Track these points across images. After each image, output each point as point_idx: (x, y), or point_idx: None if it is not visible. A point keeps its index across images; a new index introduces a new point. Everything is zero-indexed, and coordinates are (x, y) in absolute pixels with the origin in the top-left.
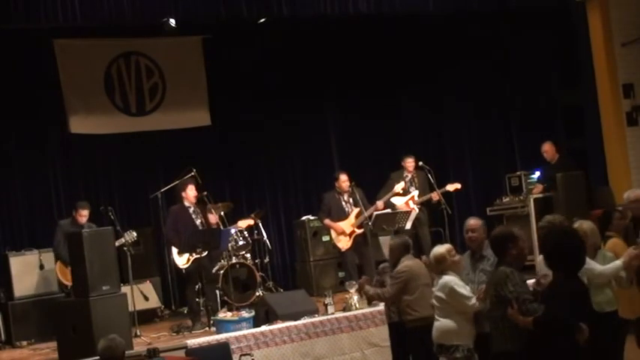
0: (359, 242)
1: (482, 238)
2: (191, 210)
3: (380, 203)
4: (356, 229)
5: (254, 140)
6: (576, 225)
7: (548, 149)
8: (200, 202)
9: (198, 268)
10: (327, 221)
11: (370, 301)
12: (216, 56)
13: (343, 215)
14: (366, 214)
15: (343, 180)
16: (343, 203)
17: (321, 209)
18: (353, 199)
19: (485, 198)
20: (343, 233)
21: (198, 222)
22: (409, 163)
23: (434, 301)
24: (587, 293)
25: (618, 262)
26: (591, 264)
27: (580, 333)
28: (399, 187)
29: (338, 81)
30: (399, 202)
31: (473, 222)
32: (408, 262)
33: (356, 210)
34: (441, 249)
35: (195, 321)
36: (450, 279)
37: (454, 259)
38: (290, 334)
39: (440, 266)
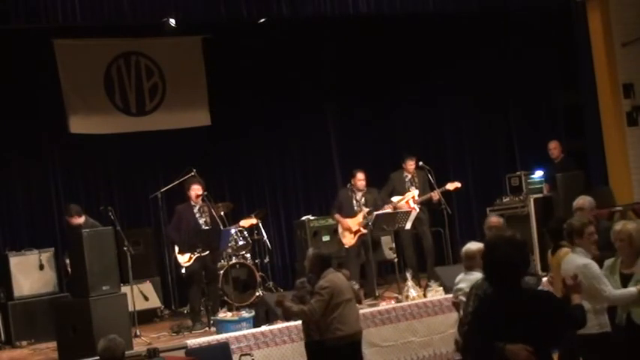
0: (364, 242)
1: None
2: (195, 209)
3: (387, 206)
4: (361, 229)
5: (254, 140)
6: (619, 226)
7: (554, 147)
8: (206, 200)
9: (201, 268)
10: (336, 216)
11: (290, 317)
12: (216, 56)
13: (352, 213)
14: (369, 217)
15: (359, 178)
16: (354, 202)
17: (334, 204)
18: (366, 199)
19: (485, 198)
20: (349, 230)
21: (201, 221)
22: (410, 165)
23: (462, 297)
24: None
25: (633, 290)
26: (602, 283)
27: (503, 354)
28: (408, 195)
29: (338, 81)
30: (400, 203)
31: (494, 219)
32: (330, 277)
33: (365, 210)
34: (473, 246)
35: (195, 321)
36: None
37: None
38: (290, 334)
39: (468, 262)
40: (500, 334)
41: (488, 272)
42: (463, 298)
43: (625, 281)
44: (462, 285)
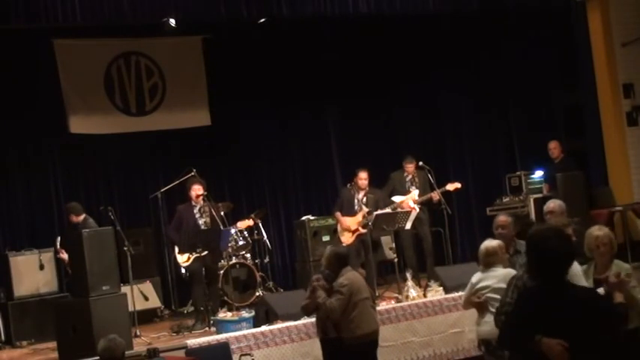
0: (363, 242)
1: (511, 234)
2: (196, 209)
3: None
4: (360, 229)
5: (254, 140)
6: (599, 232)
7: (554, 147)
8: (207, 200)
9: (201, 267)
10: (337, 214)
11: (310, 310)
12: (216, 56)
13: (352, 212)
14: (369, 217)
15: (361, 177)
16: (355, 201)
17: (337, 202)
18: (367, 199)
19: (485, 198)
20: (348, 229)
21: (201, 221)
22: (409, 167)
23: (491, 294)
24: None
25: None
26: (583, 281)
27: (539, 347)
28: (409, 197)
29: (338, 81)
30: (399, 199)
31: (502, 218)
32: (348, 275)
33: (365, 210)
34: (493, 243)
35: (199, 320)
36: (512, 271)
37: (504, 256)
38: (290, 334)
39: (489, 259)
40: (539, 327)
41: (534, 264)
42: (492, 295)
43: (597, 287)
44: (487, 282)
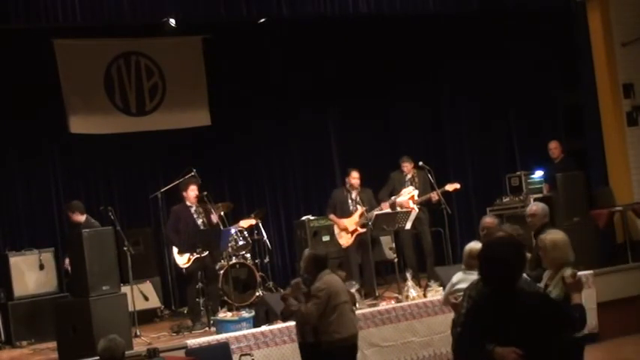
0: (362, 242)
1: None
2: (192, 210)
3: (384, 204)
4: (358, 229)
5: (254, 140)
6: (543, 235)
7: (554, 147)
8: (202, 201)
9: (200, 268)
10: (331, 216)
11: (287, 317)
12: (216, 56)
13: (347, 213)
14: (368, 215)
15: (354, 177)
16: (350, 201)
17: (328, 204)
18: (361, 198)
19: (485, 198)
20: (345, 230)
21: (199, 222)
22: (406, 167)
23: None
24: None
25: None
26: None
27: (492, 356)
28: (406, 191)
29: (338, 81)
30: (399, 199)
31: (488, 220)
32: (326, 278)
33: (361, 209)
34: (478, 246)
35: (195, 321)
36: None
37: None
38: (290, 334)
39: (472, 261)
40: (492, 336)
41: (483, 272)
42: None
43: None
44: (464, 285)
